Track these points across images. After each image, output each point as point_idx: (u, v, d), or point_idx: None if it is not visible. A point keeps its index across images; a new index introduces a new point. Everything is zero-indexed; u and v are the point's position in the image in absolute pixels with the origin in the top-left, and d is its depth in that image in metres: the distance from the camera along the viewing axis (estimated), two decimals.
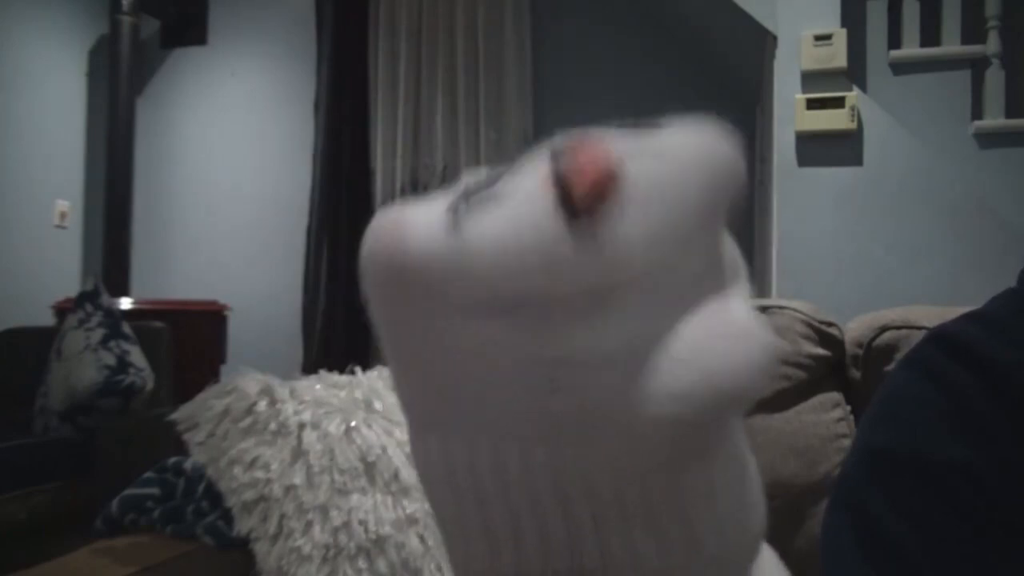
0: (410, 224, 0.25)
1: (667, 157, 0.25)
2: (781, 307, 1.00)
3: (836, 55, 2.25)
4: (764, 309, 1.00)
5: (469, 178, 0.26)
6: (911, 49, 2.29)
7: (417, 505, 0.93)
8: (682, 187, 0.25)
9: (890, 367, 0.93)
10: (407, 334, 0.26)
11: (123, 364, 2.48)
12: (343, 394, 1.03)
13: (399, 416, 0.98)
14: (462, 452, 0.27)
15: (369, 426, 0.97)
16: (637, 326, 0.25)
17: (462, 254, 0.24)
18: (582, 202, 0.23)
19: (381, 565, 0.89)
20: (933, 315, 0.93)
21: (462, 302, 0.24)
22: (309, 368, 1.66)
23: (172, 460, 1.13)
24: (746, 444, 0.30)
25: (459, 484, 0.27)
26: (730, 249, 0.31)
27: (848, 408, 0.98)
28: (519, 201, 0.23)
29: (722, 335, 0.26)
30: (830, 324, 0.99)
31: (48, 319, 3.07)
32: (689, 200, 0.25)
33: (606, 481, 0.26)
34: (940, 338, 0.48)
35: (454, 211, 0.24)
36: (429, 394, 0.28)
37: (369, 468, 0.94)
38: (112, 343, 2.51)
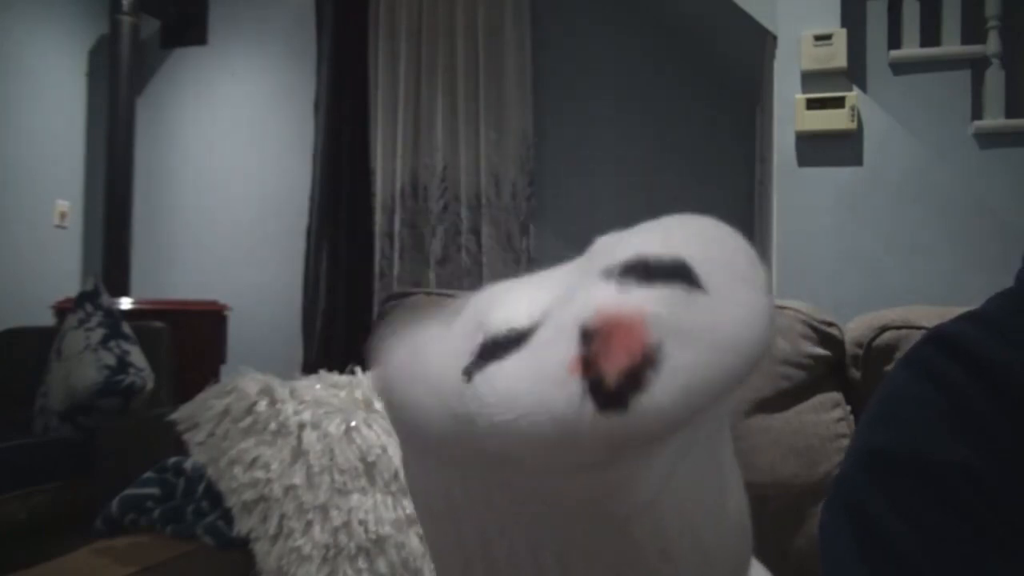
0: (424, 374, 0.24)
1: (705, 341, 0.23)
2: (781, 307, 1.00)
3: (836, 55, 2.25)
4: None
5: (491, 324, 0.25)
6: (911, 49, 2.29)
7: None
8: (718, 369, 0.23)
9: (890, 367, 0.93)
10: (412, 421, 0.27)
11: (123, 364, 2.48)
12: (343, 394, 1.03)
13: None
14: (439, 480, 0.28)
15: (369, 426, 0.97)
16: None
17: (475, 407, 0.23)
18: (613, 393, 0.22)
19: (381, 565, 0.89)
20: (933, 315, 0.93)
21: (459, 462, 0.25)
22: (309, 368, 1.66)
23: (172, 460, 1.13)
24: (712, 488, 0.30)
25: (445, 504, 0.28)
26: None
27: (848, 408, 0.98)
28: (540, 373, 0.22)
29: None
30: (830, 324, 0.99)
31: (48, 319, 3.07)
32: (721, 383, 0.24)
33: (565, 526, 0.26)
34: (938, 338, 0.48)
35: (469, 371, 0.24)
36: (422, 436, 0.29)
37: (369, 468, 0.94)
38: (112, 343, 2.50)
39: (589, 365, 0.22)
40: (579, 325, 0.23)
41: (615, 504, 0.25)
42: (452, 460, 0.26)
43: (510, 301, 0.26)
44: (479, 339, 0.26)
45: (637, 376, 0.22)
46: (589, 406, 0.22)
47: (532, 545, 0.26)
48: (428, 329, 0.28)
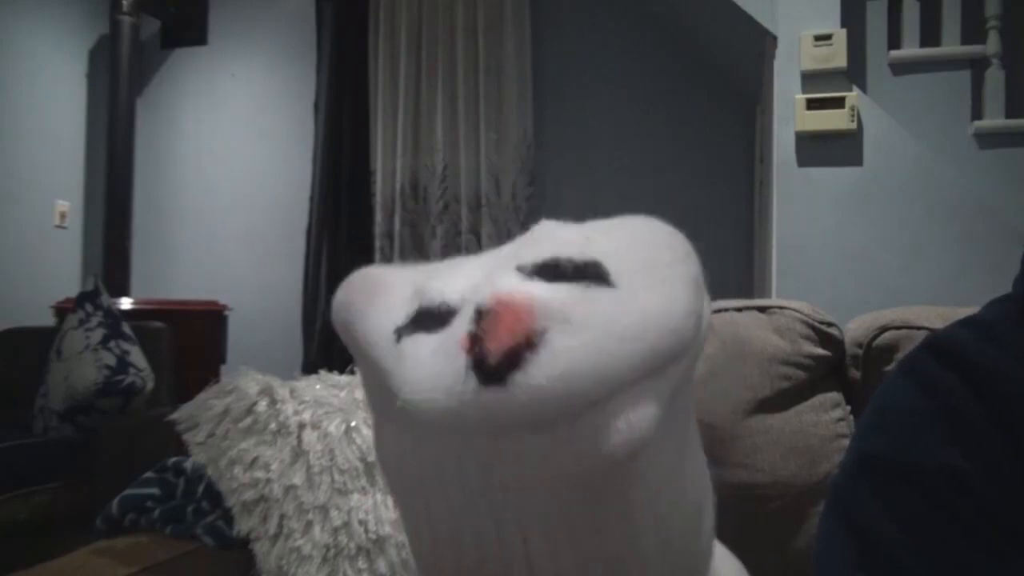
0: (370, 310, 0.27)
1: (598, 331, 0.25)
2: (781, 307, 1.00)
3: (836, 55, 2.25)
4: (764, 309, 1.00)
5: (427, 293, 0.28)
6: (911, 49, 2.29)
7: None
8: (608, 358, 0.24)
9: (890, 367, 0.93)
10: (358, 359, 0.29)
11: (123, 364, 2.48)
12: (343, 394, 1.03)
13: None
14: (410, 442, 0.29)
15: (369, 426, 0.97)
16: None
17: (394, 368, 0.26)
18: (493, 370, 0.24)
19: (381, 565, 0.89)
20: (933, 315, 0.93)
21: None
22: (309, 368, 1.66)
23: (172, 460, 1.13)
24: (681, 477, 0.31)
25: (408, 471, 0.29)
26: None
27: (848, 408, 0.98)
28: (445, 350, 0.24)
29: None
30: (830, 324, 0.99)
31: (48, 319, 3.07)
32: (612, 370, 0.25)
33: (533, 503, 0.27)
34: (934, 345, 0.48)
35: (399, 331, 0.26)
36: (382, 394, 0.30)
37: (369, 468, 0.94)
38: (112, 343, 2.50)
39: (476, 342, 0.24)
40: (476, 307, 0.25)
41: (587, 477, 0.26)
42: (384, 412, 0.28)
43: (448, 275, 0.28)
44: (415, 306, 0.28)
45: (517, 356, 0.23)
46: (472, 380, 0.24)
47: (498, 522, 0.27)
48: (380, 289, 0.30)
